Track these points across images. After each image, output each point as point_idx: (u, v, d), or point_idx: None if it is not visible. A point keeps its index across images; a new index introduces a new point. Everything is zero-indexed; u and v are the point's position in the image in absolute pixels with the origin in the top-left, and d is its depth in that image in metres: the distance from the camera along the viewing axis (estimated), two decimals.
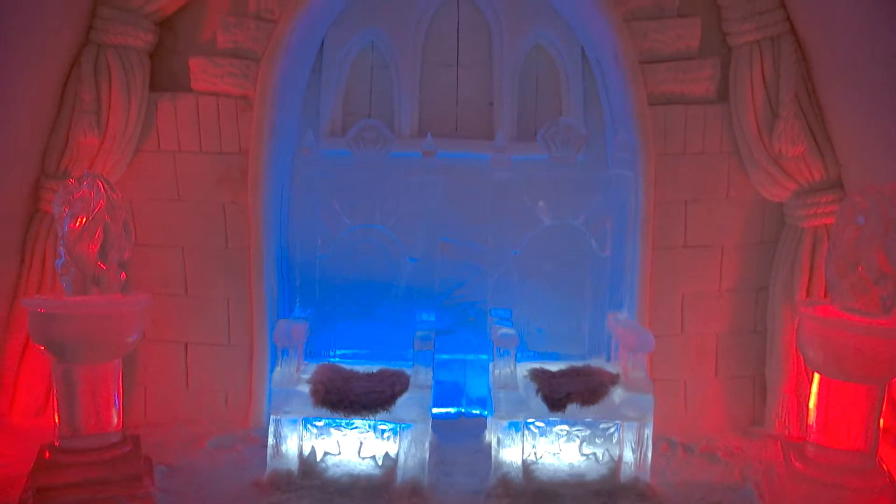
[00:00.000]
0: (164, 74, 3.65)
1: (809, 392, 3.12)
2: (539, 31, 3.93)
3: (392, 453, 3.15)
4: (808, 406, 3.15)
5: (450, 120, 4.05)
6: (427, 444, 3.07)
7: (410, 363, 3.22)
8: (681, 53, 3.59)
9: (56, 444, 2.94)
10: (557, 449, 3.18)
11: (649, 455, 3.07)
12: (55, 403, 2.94)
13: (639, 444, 3.05)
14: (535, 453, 3.17)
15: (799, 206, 3.59)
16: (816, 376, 3.03)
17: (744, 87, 3.51)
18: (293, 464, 3.08)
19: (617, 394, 3.08)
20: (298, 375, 3.19)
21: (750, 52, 3.50)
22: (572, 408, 3.03)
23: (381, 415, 3.03)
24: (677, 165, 3.65)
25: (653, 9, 3.56)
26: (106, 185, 3.15)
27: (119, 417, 3.03)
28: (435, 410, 3.37)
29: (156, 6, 3.48)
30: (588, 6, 3.58)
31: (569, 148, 3.57)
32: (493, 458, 3.09)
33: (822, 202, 3.56)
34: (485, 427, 3.64)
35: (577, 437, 3.16)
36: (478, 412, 4.05)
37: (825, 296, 3.44)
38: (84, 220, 3.06)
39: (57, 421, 2.94)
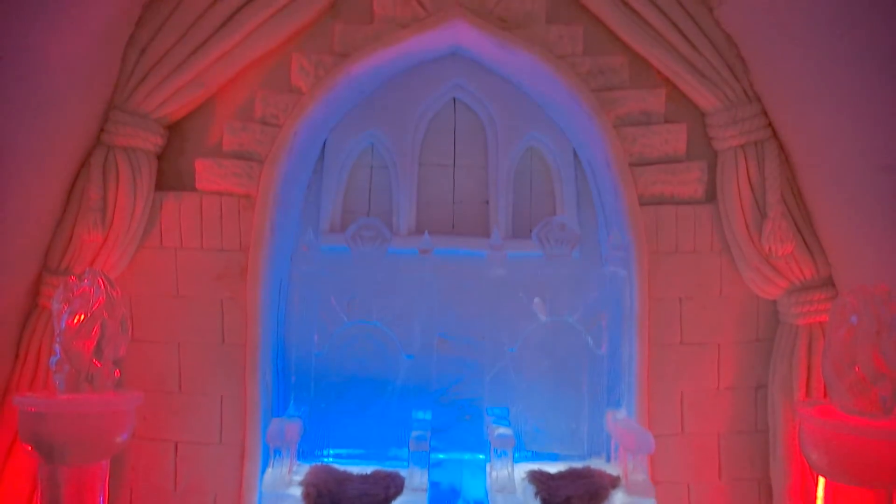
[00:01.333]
0: (170, 174, 3.76)
1: (815, 495, 3.05)
2: (532, 134, 4.09)
3: None
4: None
5: (446, 218, 4.15)
6: None
7: (406, 464, 3.16)
8: (669, 157, 3.72)
9: None
10: None
11: None
12: None
13: None
14: None
15: (792, 303, 3.62)
16: (821, 479, 2.96)
17: (731, 189, 3.62)
18: None
19: (618, 498, 3.00)
20: (290, 477, 3.12)
21: (735, 156, 3.63)
22: None
23: None
24: (670, 263, 3.71)
25: (640, 115, 3.73)
26: (106, 282, 3.19)
27: None
28: None
29: (166, 111, 3.62)
30: (579, 113, 3.75)
31: (563, 246, 3.65)
32: None
33: (815, 300, 3.60)
34: None
35: None
36: None
37: (825, 395, 3.42)
38: (82, 316, 3.08)
39: None
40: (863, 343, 2.86)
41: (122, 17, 3.41)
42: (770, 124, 3.63)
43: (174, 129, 3.77)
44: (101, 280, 3.20)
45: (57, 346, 3.11)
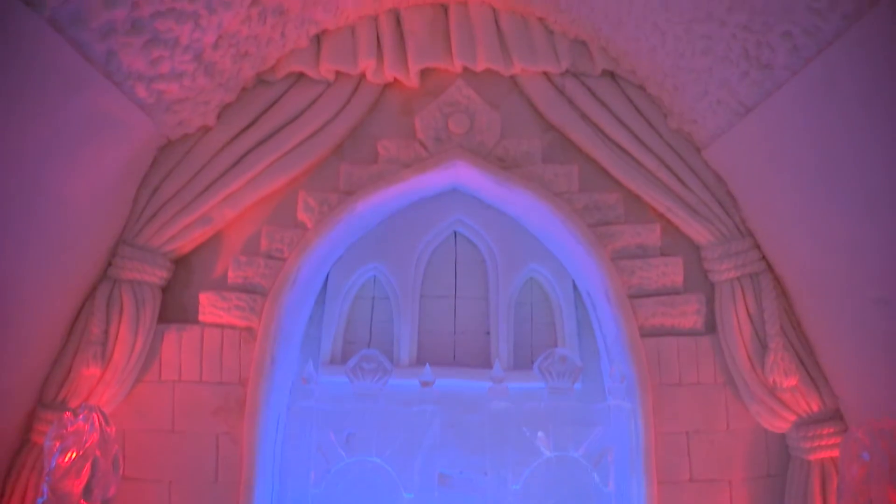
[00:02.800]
0: (173, 307, 3.80)
1: None
2: (532, 266, 4.17)
3: None
4: None
5: (448, 349, 4.13)
6: None
7: None
8: (667, 289, 3.77)
9: None
10: None
11: None
12: None
13: None
14: None
15: (801, 438, 3.54)
16: None
17: (730, 321, 3.65)
18: None
19: None
20: None
21: (732, 288, 3.68)
22: None
23: None
24: (675, 396, 3.66)
25: (637, 249, 3.82)
26: (101, 419, 3.14)
27: None
28: None
29: (174, 246, 3.71)
30: (576, 246, 3.84)
31: (565, 378, 3.61)
32: None
33: (824, 434, 3.52)
34: None
35: None
36: None
37: None
38: (74, 454, 3.00)
39: None
40: (877, 480, 2.78)
41: (137, 159, 3.57)
42: (764, 257, 3.71)
43: (180, 263, 3.85)
44: (96, 416, 3.15)
45: (45, 486, 3.00)
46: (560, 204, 3.79)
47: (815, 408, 3.57)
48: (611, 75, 3.95)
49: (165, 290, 3.79)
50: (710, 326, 3.78)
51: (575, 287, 4.16)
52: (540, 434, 3.59)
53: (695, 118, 3.67)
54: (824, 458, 3.51)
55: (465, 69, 3.99)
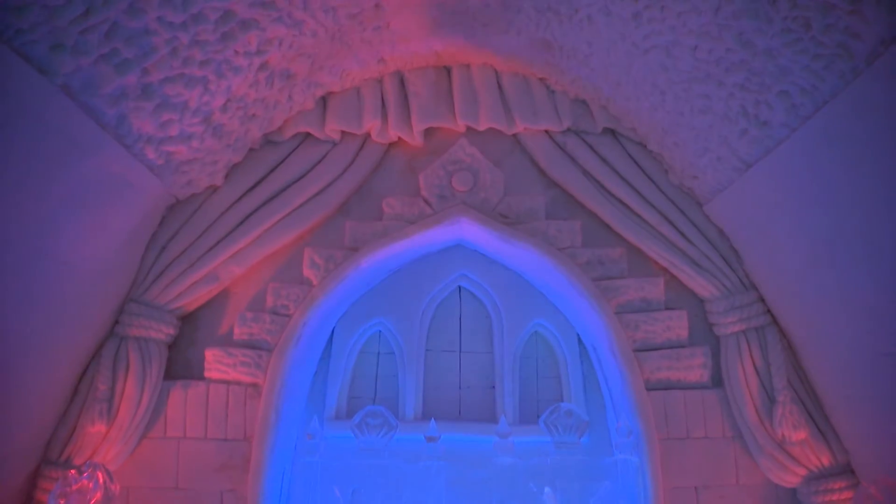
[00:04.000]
0: (179, 363, 3.82)
1: None
2: (537, 321, 4.17)
3: None
4: None
5: (453, 404, 4.11)
6: None
7: None
8: (672, 342, 3.77)
9: None
10: None
11: None
12: None
13: None
14: None
15: (812, 493, 3.49)
16: None
17: (736, 374, 3.63)
18: None
19: None
20: None
21: (737, 342, 3.68)
22: None
23: None
24: (683, 450, 3.62)
25: (641, 303, 3.83)
26: (105, 477, 3.14)
27: None
28: None
29: (181, 303, 3.75)
30: (581, 301, 3.85)
31: (572, 433, 3.59)
32: None
33: (836, 489, 3.47)
34: None
35: None
36: None
37: None
38: None
39: None
40: None
41: (146, 219, 3.63)
42: (769, 311, 3.71)
43: (186, 320, 3.88)
44: (100, 473, 3.15)
45: None
46: (563, 259, 3.82)
47: (825, 462, 3.52)
48: (612, 133, 4.02)
49: (171, 346, 3.81)
50: (717, 380, 3.76)
51: (580, 341, 4.15)
52: (547, 490, 3.55)
53: (696, 174, 3.71)
54: None
55: (469, 128, 4.08)
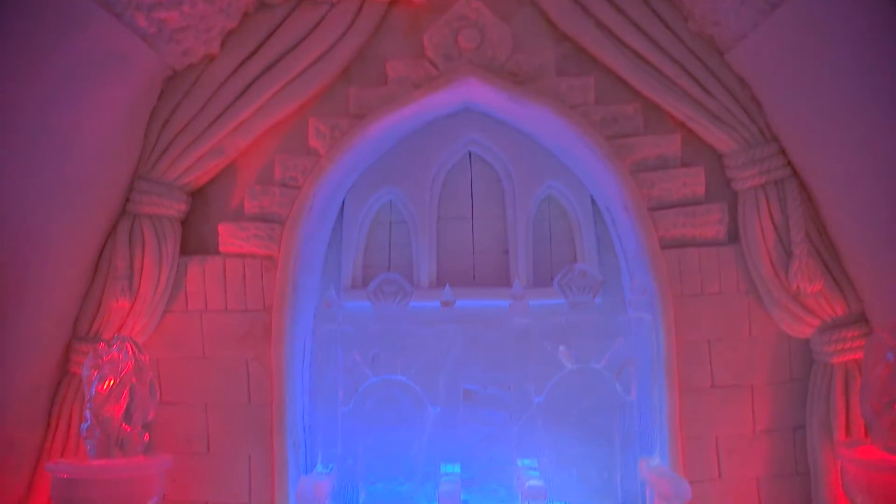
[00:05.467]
0: (194, 239, 3.85)
1: None
2: (549, 183, 4.11)
3: None
4: None
5: (467, 270, 4.16)
6: None
7: None
8: (688, 199, 3.70)
9: None
10: None
11: None
12: None
13: None
14: None
15: (825, 342, 3.54)
16: None
17: (754, 230, 3.59)
18: None
19: None
20: None
21: (756, 196, 3.60)
22: None
23: None
24: (696, 306, 3.65)
25: (656, 160, 3.73)
26: (134, 348, 3.26)
27: None
28: None
29: (189, 178, 3.73)
30: (594, 160, 3.77)
31: (586, 293, 3.62)
32: None
33: (849, 337, 3.51)
34: None
35: None
36: None
37: (865, 434, 3.31)
38: (112, 382, 3.14)
39: None
40: None
41: (145, 93, 3.54)
42: (789, 163, 3.61)
43: (197, 195, 3.88)
44: (129, 346, 3.28)
45: (87, 412, 3.16)
46: (576, 117, 3.69)
47: (839, 312, 3.54)
48: None
49: (184, 223, 3.84)
50: (733, 236, 3.72)
51: (594, 202, 4.11)
52: (562, 348, 3.64)
53: (717, 20, 3.49)
54: (848, 361, 3.51)
55: None
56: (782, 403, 3.66)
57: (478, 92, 3.82)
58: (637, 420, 3.54)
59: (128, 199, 3.70)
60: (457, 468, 3.50)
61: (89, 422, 3.22)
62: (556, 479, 3.49)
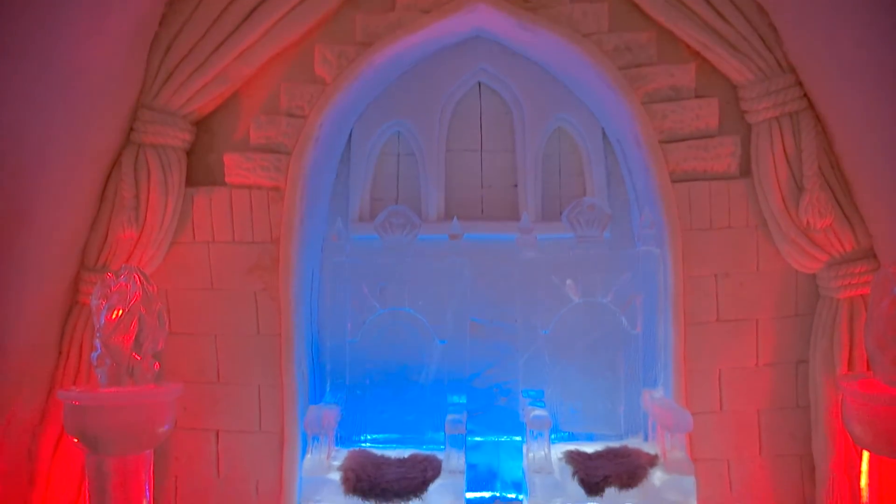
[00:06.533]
0: (199, 170, 3.81)
1: (860, 470, 2.99)
2: (560, 115, 4.05)
3: None
4: (859, 485, 3.01)
5: (475, 203, 4.13)
6: None
7: (442, 447, 3.17)
8: (700, 132, 3.64)
9: None
10: None
11: None
12: (87, 496, 2.94)
13: None
14: None
15: (832, 277, 3.54)
16: (865, 454, 2.91)
17: (766, 163, 3.54)
18: None
19: (657, 476, 2.98)
20: (329, 462, 3.16)
21: (769, 129, 3.54)
22: (610, 492, 2.94)
23: (414, 502, 2.96)
24: (705, 240, 3.64)
25: (670, 91, 3.65)
26: (142, 278, 3.26)
27: None
28: (469, 495, 3.29)
29: (193, 107, 3.66)
30: (606, 91, 3.69)
31: (594, 227, 3.61)
32: None
33: (856, 273, 3.50)
34: None
35: None
36: (514, 496, 3.93)
37: (867, 369, 3.34)
38: (120, 312, 3.15)
39: None
40: None
41: (146, 18, 3.45)
42: (805, 95, 3.53)
43: (202, 125, 3.81)
44: (136, 276, 3.27)
45: (97, 342, 3.18)
46: (589, 46, 3.59)
47: (848, 247, 3.53)
48: None
49: (190, 153, 3.79)
50: (745, 170, 3.67)
51: (604, 135, 4.06)
52: (569, 282, 3.65)
53: None
54: (854, 297, 3.52)
55: None
56: (786, 338, 3.69)
57: (488, 18, 3.70)
58: (641, 353, 3.58)
59: (131, 129, 3.64)
60: (463, 399, 3.56)
61: (99, 351, 3.25)
62: (561, 410, 3.55)
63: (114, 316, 3.13)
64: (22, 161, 3.23)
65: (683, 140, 3.64)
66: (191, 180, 3.76)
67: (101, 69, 3.32)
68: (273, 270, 3.66)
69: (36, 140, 3.24)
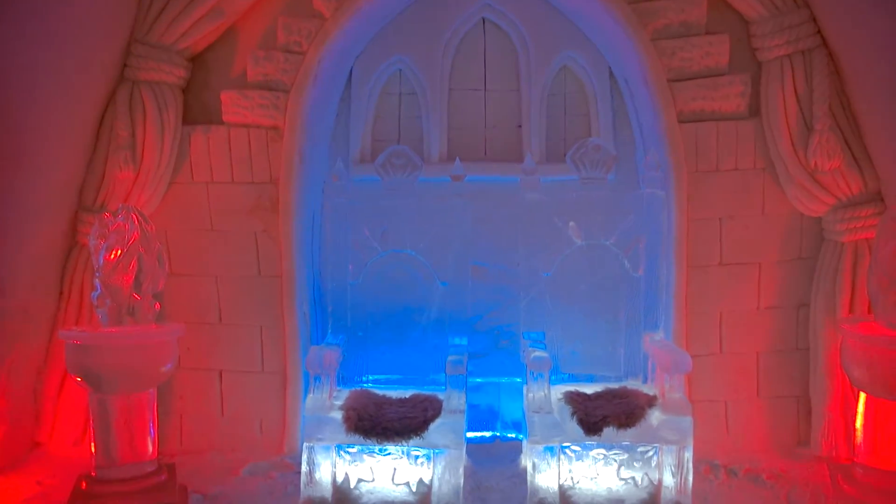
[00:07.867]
0: (196, 108, 3.73)
1: (856, 411, 3.02)
2: (566, 53, 3.94)
3: (426, 479, 3.10)
4: (855, 426, 3.04)
5: (478, 144, 4.07)
6: (461, 470, 3.02)
7: (443, 388, 3.19)
8: (710, 70, 3.55)
9: (92, 474, 2.97)
10: (595, 473, 3.10)
11: (690, 479, 2.98)
12: (92, 433, 2.98)
13: (679, 468, 2.96)
14: (571, 478, 3.10)
15: (838, 220, 3.50)
16: (862, 395, 2.93)
17: (776, 102, 3.46)
18: (327, 491, 3.06)
19: (654, 416, 3.00)
20: (331, 402, 3.18)
21: (781, 67, 3.45)
22: (609, 431, 2.96)
23: (415, 441, 2.99)
24: (710, 183, 3.59)
25: (679, 27, 3.54)
26: (140, 218, 3.22)
27: (154, 447, 3.05)
28: (469, 435, 3.33)
29: (188, 42, 3.56)
30: (614, 27, 3.58)
31: (599, 168, 3.54)
32: (528, 483, 3.03)
33: (862, 216, 3.47)
34: (520, 451, 3.58)
35: (615, 461, 3.08)
36: (513, 436, 3.99)
37: (868, 312, 3.34)
38: (119, 252, 3.13)
39: (93, 451, 2.97)
40: None
41: None
42: (819, 32, 3.43)
43: (197, 62, 3.72)
44: (134, 216, 3.23)
45: (97, 281, 3.17)
46: None
47: (855, 191, 3.49)
48: None
49: (186, 90, 3.71)
50: (754, 110, 3.60)
51: (611, 74, 3.95)
52: (571, 224, 3.60)
53: None
54: (858, 240, 3.50)
55: None
56: (788, 281, 3.68)
57: None
58: (643, 296, 3.56)
59: (125, 65, 3.55)
60: (464, 341, 3.57)
61: (99, 290, 3.24)
62: (562, 352, 3.56)
63: (112, 256, 3.10)
64: (14, 101, 3.16)
65: (692, 79, 3.55)
66: (187, 118, 3.69)
67: (92, 3, 3.21)
68: (273, 211, 3.63)
69: (27, 79, 3.16)
